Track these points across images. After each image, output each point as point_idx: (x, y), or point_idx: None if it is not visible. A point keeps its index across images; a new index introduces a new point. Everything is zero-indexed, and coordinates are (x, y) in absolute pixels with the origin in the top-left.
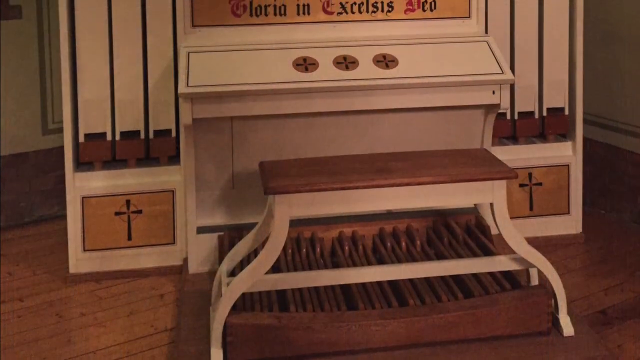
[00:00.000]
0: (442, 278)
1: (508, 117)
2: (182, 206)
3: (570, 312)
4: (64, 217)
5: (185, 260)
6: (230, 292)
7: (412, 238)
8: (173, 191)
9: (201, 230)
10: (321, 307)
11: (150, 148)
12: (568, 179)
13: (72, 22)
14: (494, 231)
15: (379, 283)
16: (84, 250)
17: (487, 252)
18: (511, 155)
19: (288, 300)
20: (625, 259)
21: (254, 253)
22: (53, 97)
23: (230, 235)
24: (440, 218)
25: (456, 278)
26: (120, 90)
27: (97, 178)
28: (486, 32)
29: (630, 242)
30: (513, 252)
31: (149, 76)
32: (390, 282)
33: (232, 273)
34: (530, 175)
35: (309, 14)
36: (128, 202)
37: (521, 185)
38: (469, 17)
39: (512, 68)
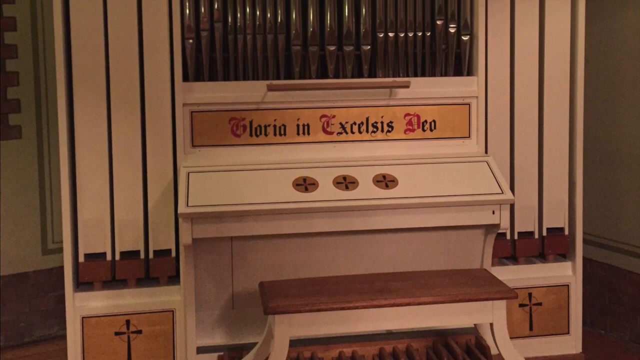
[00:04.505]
0: None
1: (508, 237)
2: (182, 326)
3: None
4: (63, 337)
5: None
6: None
7: (412, 358)
8: (173, 311)
9: (201, 350)
10: None
11: (150, 268)
12: (568, 299)
13: (72, 142)
14: (493, 351)
15: None
16: None
17: None
18: (511, 275)
19: None
20: None
21: None
22: (53, 217)
23: (230, 355)
24: (440, 338)
25: None
26: (120, 210)
27: (97, 298)
28: (486, 151)
29: None
30: None
31: (149, 196)
32: None
33: None
34: (530, 295)
35: (309, 134)
36: (128, 322)
37: (521, 305)
38: (469, 137)
39: (512, 188)
